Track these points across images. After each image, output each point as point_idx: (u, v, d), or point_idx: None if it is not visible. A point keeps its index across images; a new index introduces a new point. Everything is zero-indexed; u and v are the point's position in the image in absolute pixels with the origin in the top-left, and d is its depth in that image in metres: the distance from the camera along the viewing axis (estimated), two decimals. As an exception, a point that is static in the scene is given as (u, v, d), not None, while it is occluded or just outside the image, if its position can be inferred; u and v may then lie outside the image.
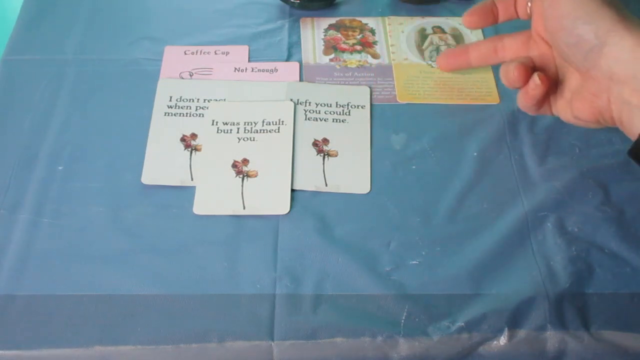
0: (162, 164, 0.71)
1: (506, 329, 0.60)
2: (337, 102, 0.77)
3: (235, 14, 0.87)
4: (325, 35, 0.85)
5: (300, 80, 0.79)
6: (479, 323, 0.60)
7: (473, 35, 0.85)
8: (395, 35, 0.85)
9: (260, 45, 0.83)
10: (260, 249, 0.65)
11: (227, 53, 0.82)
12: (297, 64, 0.81)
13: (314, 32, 0.85)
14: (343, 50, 0.83)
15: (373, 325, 0.60)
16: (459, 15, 0.87)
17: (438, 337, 0.59)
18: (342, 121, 0.75)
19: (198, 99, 0.76)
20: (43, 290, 0.61)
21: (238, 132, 0.73)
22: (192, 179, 0.70)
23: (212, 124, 0.74)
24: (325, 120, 0.75)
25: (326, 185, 0.70)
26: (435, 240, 0.65)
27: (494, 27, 0.86)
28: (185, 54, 0.82)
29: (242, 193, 0.68)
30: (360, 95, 0.78)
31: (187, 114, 0.75)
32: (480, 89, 0.79)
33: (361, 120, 0.75)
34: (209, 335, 0.59)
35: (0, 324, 0.59)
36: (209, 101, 0.76)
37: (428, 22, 0.87)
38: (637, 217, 0.67)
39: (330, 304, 0.61)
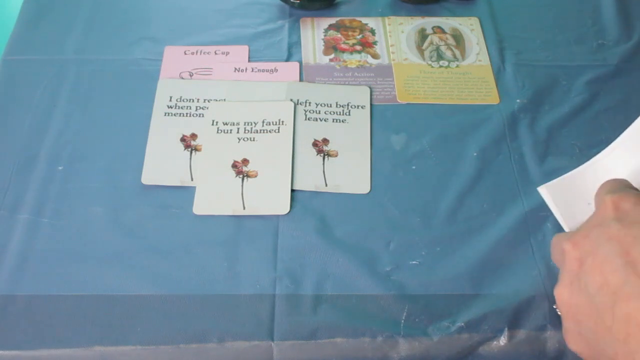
0: (162, 164, 0.71)
1: (506, 329, 0.60)
2: (337, 102, 0.76)
3: (235, 14, 0.87)
4: (325, 35, 0.85)
5: (300, 80, 0.79)
6: (479, 323, 0.60)
7: (473, 35, 0.85)
8: (395, 35, 0.85)
9: (260, 45, 0.83)
10: (260, 249, 0.65)
11: (227, 53, 0.82)
12: (297, 64, 0.81)
13: (314, 32, 0.85)
14: (343, 50, 0.83)
15: (373, 325, 0.60)
16: (459, 15, 0.88)
17: (438, 337, 0.59)
18: (342, 121, 0.75)
19: (198, 99, 0.76)
20: (43, 290, 0.61)
21: (238, 132, 0.73)
22: (192, 179, 0.70)
23: (212, 124, 0.74)
24: (325, 120, 0.75)
25: (326, 185, 0.70)
26: (435, 240, 0.65)
27: (494, 28, 0.86)
28: (185, 54, 0.82)
29: (242, 193, 0.68)
30: (360, 95, 0.78)
31: (187, 114, 0.75)
32: (480, 89, 0.79)
33: (361, 120, 0.75)
34: (208, 335, 0.59)
35: (0, 324, 0.59)
36: (209, 101, 0.76)
37: (428, 22, 0.87)
38: (637, 217, 0.67)
39: (330, 304, 0.61)
